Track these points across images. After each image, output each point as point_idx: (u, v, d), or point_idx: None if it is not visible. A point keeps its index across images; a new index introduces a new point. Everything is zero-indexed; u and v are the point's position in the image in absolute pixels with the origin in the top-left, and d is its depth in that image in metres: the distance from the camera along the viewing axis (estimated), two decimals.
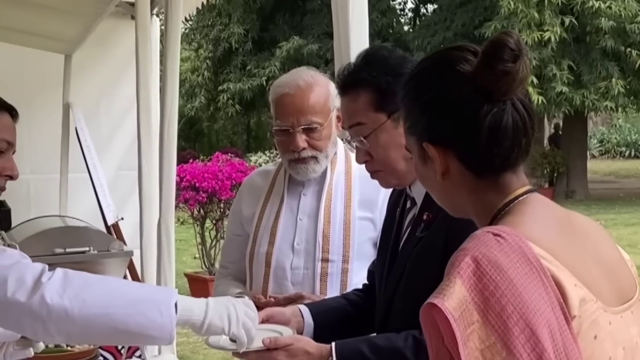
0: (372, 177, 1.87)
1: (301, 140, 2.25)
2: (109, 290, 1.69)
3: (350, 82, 1.82)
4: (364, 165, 1.89)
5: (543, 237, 1.13)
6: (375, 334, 1.82)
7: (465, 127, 1.20)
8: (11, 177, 1.94)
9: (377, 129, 1.78)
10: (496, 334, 1.02)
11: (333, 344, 1.72)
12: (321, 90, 2.28)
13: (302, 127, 2.25)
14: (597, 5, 16.56)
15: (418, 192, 1.81)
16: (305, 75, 2.30)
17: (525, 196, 1.21)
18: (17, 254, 1.74)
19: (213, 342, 1.83)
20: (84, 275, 1.70)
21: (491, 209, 1.21)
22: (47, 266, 1.69)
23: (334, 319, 1.98)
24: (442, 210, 1.70)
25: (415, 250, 1.75)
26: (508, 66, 1.17)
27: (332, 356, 1.70)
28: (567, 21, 16.88)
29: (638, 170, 22.73)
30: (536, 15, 16.72)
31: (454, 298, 1.04)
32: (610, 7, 16.57)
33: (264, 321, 1.88)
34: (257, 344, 1.73)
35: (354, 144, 1.84)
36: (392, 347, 1.69)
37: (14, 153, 1.95)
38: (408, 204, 1.86)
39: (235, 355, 1.81)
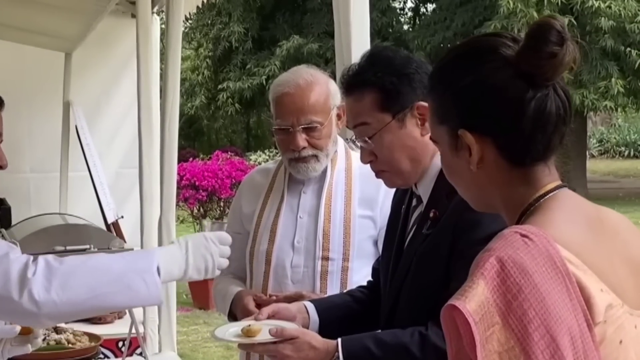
0: (377, 176, 1.87)
1: (301, 139, 2.25)
2: (93, 271, 1.75)
3: (355, 82, 1.82)
4: (364, 164, 1.89)
5: (572, 238, 1.11)
6: (380, 331, 1.83)
7: (508, 113, 1.16)
8: (0, 167, 1.95)
9: (382, 129, 1.78)
10: (515, 338, 1.01)
11: (339, 339, 1.73)
12: (321, 89, 2.28)
13: (302, 126, 2.25)
14: (596, 5, 16.57)
15: (424, 190, 1.82)
16: (305, 74, 2.30)
17: (555, 192, 1.18)
18: (5, 245, 1.76)
19: (219, 334, 1.85)
20: (67, 261, 1.74)
21: (521, 204, 1.19)
22: (30, 258, 1.73)
23: (338, 316, 1.98)
24: (448, 208, 1.71)
25: (422, 248, 1.75)
26: (555, 49, 1.13)
27: (338, 352, 1.71)
28: (566, 21, 16.78)
29: (637, 170, 22.73)
30: (535, 14, 16.70)
31: (475, 300, 1.03)
32: (610, 7, 16.57)
33: (269, 317, 1.89)
34: (264, 336, 1.74)
35: (359, 144, 1.84)
36: (399, 343, 1.70)
37: (1, 142, 1.94)
38: (414, 202, 1.87)
39: (241, 347, 1.82)
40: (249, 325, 1.82)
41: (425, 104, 1.77)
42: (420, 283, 1.74)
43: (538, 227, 1.10)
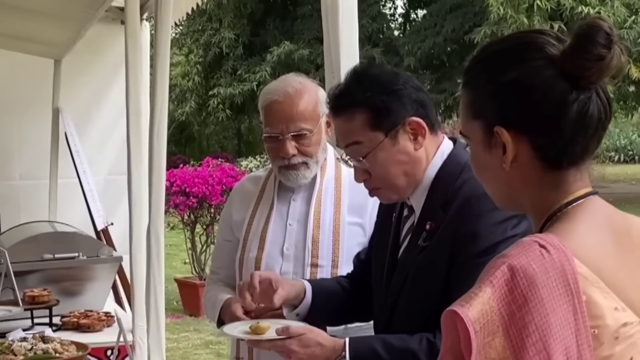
0: (371, 194, 1.87)
1: (291, 147, 2.25)
2: None
3: (344, 103, 1.80)
4: (358, 182, 1.89)
5: (593, 252, 1.09)
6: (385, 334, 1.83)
7: (549, 113, 1.13)
8: None
9: (375, 148, 1.77)
10: (512, 349, 1.00)
11: (347, 339, 1.74)
12: (310, 97, 2.28)
13: (292, 133, 2.25)
14: (586, 11, 16.64)
15: (416, 200, 1.82)
16: (294, 82, 2.30)
17: (584, 199, 1.15)
18: None
19: (228, 330, 1.88)
20: None
21: (549, 207, 1.16)
22: None
23: (328, 302, 2.02)
24: (445, 220, 1.72)
25: (419, 260, 1.75)
26: (602, 51, 1.10)
27: (345, 351, 1.72)
28: (556, 27, 16.76)
29: (627, 175, 22.82)
30: (525, 20, 16.78)
31: (478, 308, 1.02)
32: (599, 13, 16.65)
33: (262, 279, 1.94)
34: (270, 334, 1.75)
35: (352, 163, 1.83)
36: (406, 348, 1.70)
37: None
38: (405, 212, 1.87)
39: (249, 344, 1.83)
40: (257, 322, 1.86)
41: (416, 118, 1.78)
42: (418, 295, 1.75)
43: (560, 237, 1.08)
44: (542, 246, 1.05)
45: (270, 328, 1.81)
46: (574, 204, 1.15)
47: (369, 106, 1.76)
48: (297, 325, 1.80)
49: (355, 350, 1.72)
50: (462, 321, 1.01)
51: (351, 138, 1.80)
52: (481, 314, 1.02)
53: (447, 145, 1.84)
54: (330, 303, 2.02)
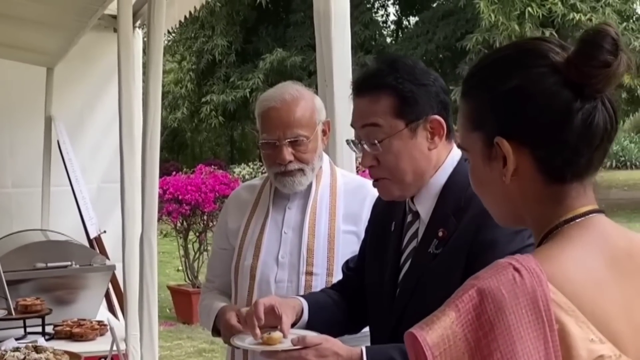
0: (374, 184, 1.84)
1: (287, 153, 2.26)
2: None
3: (373, 83, 1.78)
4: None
5: (576, 279, 1.03)
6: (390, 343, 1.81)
7: (552, 123, 1.08)
8: None
9: (393, 135, 1.75)
10: None
11: (363, 347, 1.72)
12: (307, 104, 2.29)
13: (289, 140, 2.26)
14: (577, 18, 16.72)
15: (423, 206, 1.80)
16: (291, 89, 2.31)
17: (585, 218, 1.10)
18: None
19: (238, 342, 1.86)
20: None
21: (547, 223, 1.11)
22: None
23: (322, 317, 1.99)
24: (458, 228, 1.69)
25: (431, 268, 1.73)
26: (609, 58, 1.05)
27: (362, 359, 1.69)
28: (547, 33, 17.00)
29: (619, 181, 22.89)
30: (517, 27, 16.85)
31: (438, 332, 0.99)
32: (590, 20, 16.72)
33: (266, 310, 1.88)
34: (286, 344, 1.74)
35: (364, 145, 1.78)
36: None
37: None
38: (409, 218, 1.84)
39: (263, 355, 1.82)
40: (269, 333, 1.84)
41: (439, 117, 1.76)
42: (430, 302, 1.72)
43: (542, 259, 1.03)
44: (516, 269, 1.01)
45: (284, 338, 1.79)
46: (572, 222, 1.10)
47: (398, 92, 1.75)
48: (313, 335, 1.78)
49: (372, 359, 1.70)
50: (420, 345, 0.99)
51: (371, 119, 1.76)
52: (441, 339, 0.98)
53: (456, 153, 1.82)
54: (324, 318, 1.99)
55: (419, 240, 1.79)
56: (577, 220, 1.10)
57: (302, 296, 2.06)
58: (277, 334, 1.83)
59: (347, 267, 2.13)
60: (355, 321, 2.03)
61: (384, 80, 1.76)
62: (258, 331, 1.88)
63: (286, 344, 1.75)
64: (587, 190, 1.13)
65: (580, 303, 1.01)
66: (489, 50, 1.27)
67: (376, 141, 1.76)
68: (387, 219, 1.91)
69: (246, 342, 1.85)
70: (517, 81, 1.10)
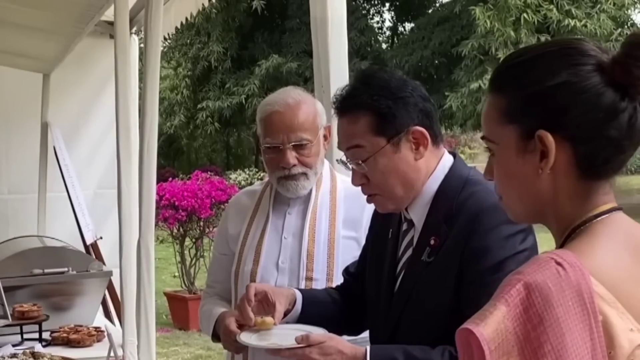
0: (368, 200, 1.85)
1: (291, 156, 2.26)
2: None
3: (350, 104, 1.79)
4: (349, 185, 1.88)
5: (611, 271, 1.06)
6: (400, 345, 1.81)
7: (598, 120, 1.09)
8: None
9: (376, 153, 1.75)
10: None
11: (368, 347, 1.72)
12: (309, 108, 2.30)
13: (292, 143, 2.26)
14: (572, 24, 16.78)
15: (417, 214, 1.80)
16: (293, 93, 2.32)
17: (608, 215, 1.13)
18: None
19: (245, 339, 1.87)
20: None
21: (573, 220, 1.13)
22: None
23: (317, 312, 2.00)
24: (449, 235, 1.70)
25: (424, 276, 1.73)
26: None
27: (366, 358, 1.69)
28: (543, 39, 17.04)
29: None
30: (512, 33, 16.90)
31: (493, 327, 1.00)
32: (585, 26, 16.79)
33: (257, 295, 1.92)
34: (290, 342, 1.75)
35: (351, 166, 1.81)
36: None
37: None
38: (404, 226, 1.85)
39: (269, 353, 1.82)
40: (262, 318, 1.87)
41: (420, 128, 1.76)
42: (424, 311, 1.73)
43: (579, 254, 1.06)
44: (558, 264, 1.03)
45: (288, 335, 1.80)
46: (597, 219, 1.12)
47: (374, 110, 1.75)
48: (317, 333, 1.78)
49: (376, 359, 1.70)
50: (477, 340, 1.00)
51: (353, 141, 1.78)
52: (496, 333, 1.00)
53: (448, 159, 1.82)
54: (320, 314, 2.00)
55: (413, 248, 1.80)
56: (601, 217, 1.12)
57: (298, 289, 2.08)
58: (269, 319, 1.86)
59: (347, 272, 2.14)
60: (352, 323, 2.03)
61: (358, 100, 1.77)
62: (251, 314, 1.91)
63: (291, 342, 1.74)
64: (611, 188, 1.15)
65: (618, 295, 1.04)
66: (517, 49, 1.27)
67: (360, 161, 1.77)
68: (385, 226, 1.92)
69: (252, 339, 1.86)
70: (565, 76, 1.11)
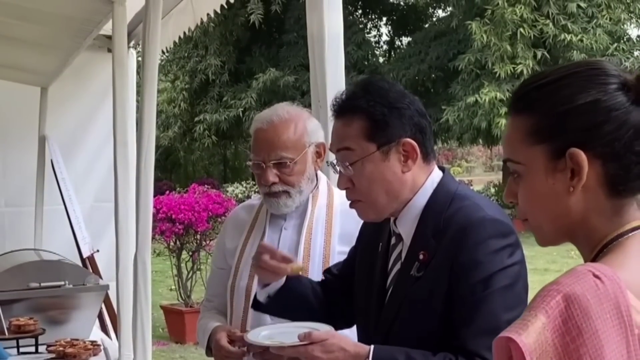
0: (351, 206, 1.86)
1: (271, 174, 2.28)
2: None
3: (346, 106, 1.81)
4: (345, 200, 1.89)
5: None
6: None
7: (629, 137, 1.12)
8: None
9: (364, 158, 1.77)
10: None
11: (372, 346, 1.72)
12: (295, 127, 2.30)
13: (273, 162, 2.28)
14: (568, 39, 16.85)
15: (405, 228, 1.81)
16: (281, 110, 2.33)
17: (638, 231, 1.14)
18: None
19: (252, 337, 1.88)
20: None
21: (602, 237, 1.14)
22: None
23: (297, 294, 2.03)
24: (438, 250, 1.71)
25: (413, 291, 1.74)
26: None
27: (368, 358, 1.70)
28: (539, 54, 17.13)
29: None
30: (509, 48, 16.97)
31: (534, 336, 1.00)
32: (581, 40, 16.86)
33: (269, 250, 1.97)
34: (293, 339, 1.75)
35: (338, 169, 1.83)
36: None
37: None
38: (393, 240, 1.85)
39: (273, 350, 1.83)
40: (291, 265, 1.98)
41: (412, 141, 1.78)
42: (414, 326, 1.73)
43: (613, 268, 1.06)
44: (596, 276, 1.03)
45: (291, 333, 1.81)
46: (627, 236, 1.13)
47: (369, 115, 1.77)
48: (319, 331, 1.78)
49: (378, 359, 1.70)
50: (520, 349, 0.99)
51: (344, 143, 1.80)
52: (537, 344, 1.00)
53: (437, 174, 1.84)
54: (298, 296, 2.02)
55: (402, 262, 1.81)
56: (631, 234, 1.14)
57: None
58: (299, 262, 1.96)
59: (329, 272, 2.15)
60: (325, 314, 2.02)
61: (356, 103, 1.79)
62: (283, 265, 1.96)
63: (293, 340, 1.75)
64: (638, 204, 1.16)
65: None
66: (535, 73, 1.29)
67: (348, 164, 1.78)
68: (375, 239, 1.93)
69: (259, 337, 1.88)
70: (595, 95, 1.13)
